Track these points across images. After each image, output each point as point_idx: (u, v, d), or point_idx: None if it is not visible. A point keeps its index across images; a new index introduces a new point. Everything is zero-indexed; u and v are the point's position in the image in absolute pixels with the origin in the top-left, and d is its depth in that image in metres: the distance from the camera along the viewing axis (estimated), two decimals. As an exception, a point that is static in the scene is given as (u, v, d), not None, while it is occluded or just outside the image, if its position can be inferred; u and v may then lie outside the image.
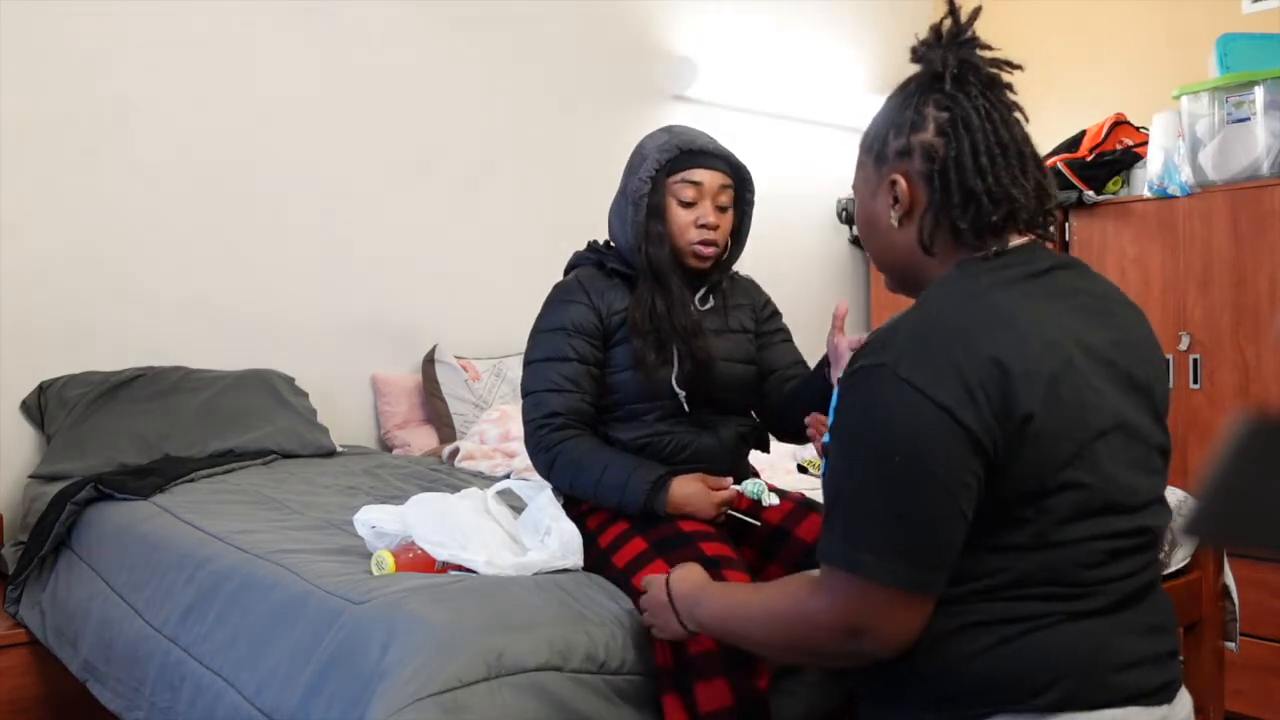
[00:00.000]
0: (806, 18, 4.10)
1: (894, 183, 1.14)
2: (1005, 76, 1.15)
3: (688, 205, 1.67)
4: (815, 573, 1.08)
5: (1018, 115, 1.14)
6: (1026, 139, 1.14)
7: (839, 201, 4.16)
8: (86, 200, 2.67)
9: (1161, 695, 1.06)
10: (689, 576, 1.30)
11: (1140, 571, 1.08)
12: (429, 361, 3.10)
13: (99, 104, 2.68)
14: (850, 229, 4.26)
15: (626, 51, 3.64)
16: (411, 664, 1.23)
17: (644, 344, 1.64)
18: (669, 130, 1.72)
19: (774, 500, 1.62)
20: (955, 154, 1.09)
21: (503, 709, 1.23)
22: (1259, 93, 2.91)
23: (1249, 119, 2.93)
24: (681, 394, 1.66)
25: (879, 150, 1.16)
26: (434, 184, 3.23)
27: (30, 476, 2.50)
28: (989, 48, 1.14)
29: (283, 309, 2.97)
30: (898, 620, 1.02)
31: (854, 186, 1.24)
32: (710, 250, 1.69)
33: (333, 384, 3.04)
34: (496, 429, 2.79)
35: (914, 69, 1.16)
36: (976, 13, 1.14)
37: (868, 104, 4.12)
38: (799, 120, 4.05)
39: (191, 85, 2.81)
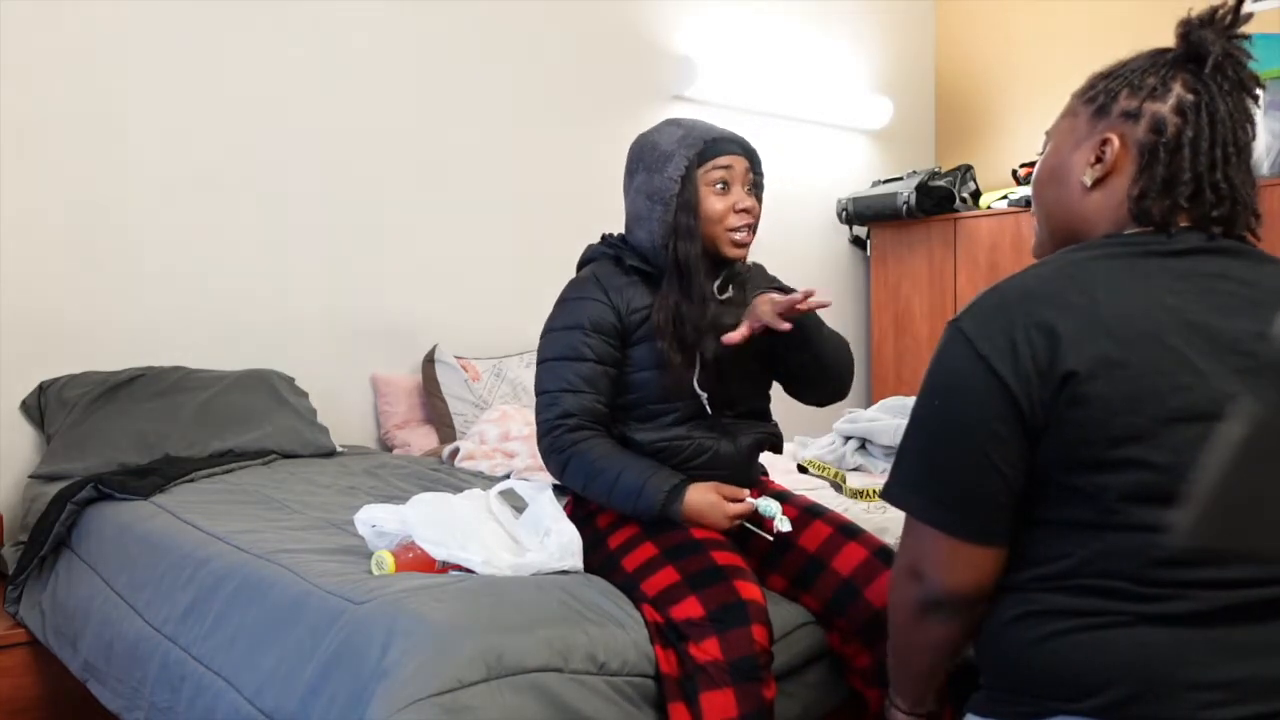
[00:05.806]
0: (806, 18, 4.10)
1: (1106, 141, 1.09)
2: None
3: (720, 194, 1.63)
4: None
5: (1252, 127, 1.10)
6: (1251, 151, 1.10)
7: (839, 201, 4.15)
8: (86, 200, 2.67)
9: None
10: None
11: (1260, 584, 0.97)
12: (429, 361, 3.11)
13: (99, 104, 2.68)
14: (850, 229, 4.26)
15: (626, 51, 3.64)
16: (412, 664, 1.23)
17: (668, 346, 1.60)
18: (677, 124, 1.67)
19: (786, 527, 1.57)
20: (1193, 137, 1.05)
21: (503, 709, 1.22)
22: (1259, 93, 2.91)
23: (1249, 119, 2.92)
24: (704, 395, 1.64)
25: (1103, 103, 1.10)
26: (434, 184, 3.23)
27: (30, 476, 2.50)
28: (1250, 55, 1.10)
29: (283, 309, 2.97)
30: (949, 563, 1.05)
31: (1050, 131, 1.18)
32: (750, 236, 1.66)
33: (333, 384, 3.04)
34: (496, 429, 2.79)
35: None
36: (1248, 16, 1.10)
37: (868, 104, 4.14)
38: (799, 120, 4.05)
39: (192, 85, 2.81)
